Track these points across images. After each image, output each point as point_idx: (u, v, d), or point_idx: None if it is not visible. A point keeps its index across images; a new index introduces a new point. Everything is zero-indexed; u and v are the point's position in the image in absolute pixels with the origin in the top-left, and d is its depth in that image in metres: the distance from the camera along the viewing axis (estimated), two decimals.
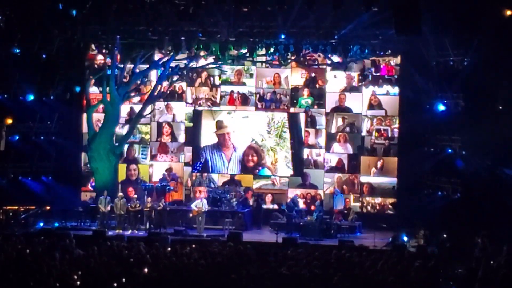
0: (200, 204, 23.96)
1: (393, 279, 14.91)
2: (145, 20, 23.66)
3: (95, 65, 26.96)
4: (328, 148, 26.61)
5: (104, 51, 26.09)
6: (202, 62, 26.76)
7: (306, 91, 26.75)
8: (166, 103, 27.35)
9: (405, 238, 22.28)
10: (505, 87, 22.19)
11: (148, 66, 26.45)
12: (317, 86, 26.74)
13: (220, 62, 26.42)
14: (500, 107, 22.67)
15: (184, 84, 27.29)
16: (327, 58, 25.86)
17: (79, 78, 26.42)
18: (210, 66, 26.71)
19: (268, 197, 26.78)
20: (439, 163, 24.12)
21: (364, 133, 26.44)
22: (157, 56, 26.22)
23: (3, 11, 23.15)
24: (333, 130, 26.64)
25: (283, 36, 23.93)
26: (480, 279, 15.55)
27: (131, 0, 22.68)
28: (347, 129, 26.53)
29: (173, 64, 26.29)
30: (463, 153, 23.22)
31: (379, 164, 26.28)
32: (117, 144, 26.49)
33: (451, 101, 23.56)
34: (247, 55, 25.58)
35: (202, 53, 25.72)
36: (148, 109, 26.88)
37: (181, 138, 27.37)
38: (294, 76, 26.90)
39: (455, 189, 23.53)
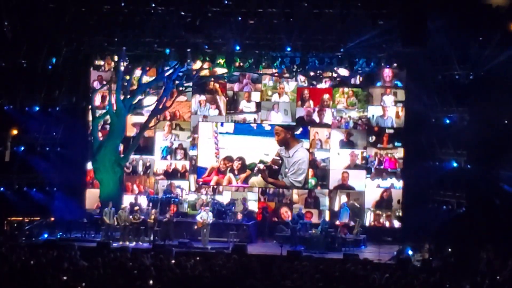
0: (205, 216, 23.89)
1: None
2: (151, 31, 23.74)
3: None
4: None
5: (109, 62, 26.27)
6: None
7: (310, 172, 26.14)
8: (169, 181, 26.93)
9: (410, 252, 22.17)
10: (510, 101, 22.17)
11: (154, 77, 26.51)
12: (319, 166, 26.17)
13: (226, 74, 26.44)
14: (506, 121, 22.65)
15: (187, 163, 26.94)
16: (333, 72, 25.84)
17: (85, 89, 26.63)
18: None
19: None
20: (444, 177, 24.04)
21: (367, 224, 25.82)
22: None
23: (10, 22, 23.24)
24: (336, 208, 26.00)
25: (289, 49, 23.94)
26: None
27: (137, 12, 22.79)
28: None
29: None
30: (468, 167, 23.15)
31: None
32: (122, 156, 26.48)
33: (457, 115, 23.50)
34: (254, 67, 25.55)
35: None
36: (152, 122, 26.89)
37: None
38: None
39: (460, 203, 23.41)
